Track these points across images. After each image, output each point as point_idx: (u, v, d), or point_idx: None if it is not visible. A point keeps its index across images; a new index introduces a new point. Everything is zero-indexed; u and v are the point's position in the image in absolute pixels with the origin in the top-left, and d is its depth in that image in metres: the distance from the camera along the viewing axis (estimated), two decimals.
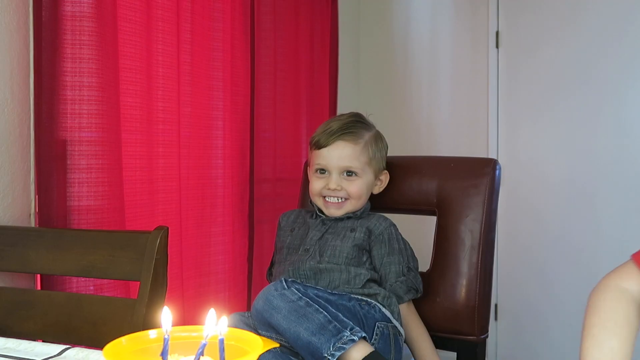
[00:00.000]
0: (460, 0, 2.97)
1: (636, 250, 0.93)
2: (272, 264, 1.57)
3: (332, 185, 1.44)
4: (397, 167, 1.57)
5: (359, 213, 1.47)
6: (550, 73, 2.74)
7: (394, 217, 1.54)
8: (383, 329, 1.30)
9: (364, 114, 1.55)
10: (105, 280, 1.39)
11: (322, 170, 1.47)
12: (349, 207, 1.46)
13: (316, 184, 1.47)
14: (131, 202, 1.56)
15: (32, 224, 1.46)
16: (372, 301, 1.33)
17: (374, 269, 1.42)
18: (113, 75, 1.47)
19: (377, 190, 1.52)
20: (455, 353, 1.46)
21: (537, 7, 2.77)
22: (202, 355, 0.59)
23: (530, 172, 2.78)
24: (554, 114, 2.73)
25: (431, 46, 3.04)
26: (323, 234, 1.45)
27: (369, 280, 1.38)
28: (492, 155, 2.82)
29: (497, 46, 2.85)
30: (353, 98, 3.06)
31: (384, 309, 1.33)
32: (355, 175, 1.45)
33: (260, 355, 0.64)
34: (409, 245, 1.46)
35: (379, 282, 1.41)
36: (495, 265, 2.51)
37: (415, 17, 3.07)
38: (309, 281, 1.38)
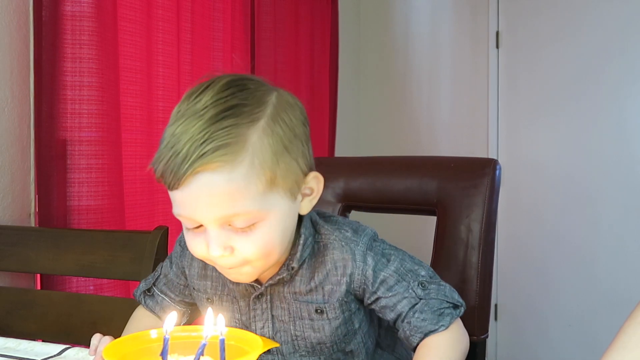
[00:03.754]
0: (460, 0, 2.97)
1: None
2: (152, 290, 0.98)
3: (214, 252, 0.75)
4: (397, 167, 1.57)
5: (295, 263, 0.83)
6: (551, 73, 2.74)
7: (393, 218, 1.53)
8: None
9: (253, 78, 0.86)
10: (105, 280, 1.39)
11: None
12: (258, 272, 0.81)
13: (193, 247, 0.79)
14: (131, 202, 1.56)
15: (32, 224, 1.46)
16: None
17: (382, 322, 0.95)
18: (113, 75, 1.47)
19: (305, 209, 0.83)
20: None
21: (538, 8, 2.77)
22: (202, 355, 0.59)
23: (530, 172, 2.78)
24: (554, 114, 2.73)
25: (431, 46, 3.04)
26: (269, 319, 0.87)
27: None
28: (492, 155, 2.82)
29: (497, 46, 2.85)
30: (353, 98, 3.06)
31: None
32: (251, 225, 0.76)
33: (260, 355, 0.64)
34: (399, 250, 0.90)
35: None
36: (495, 265, 2.51)
37: (415, 17, 3.07)
38: None
